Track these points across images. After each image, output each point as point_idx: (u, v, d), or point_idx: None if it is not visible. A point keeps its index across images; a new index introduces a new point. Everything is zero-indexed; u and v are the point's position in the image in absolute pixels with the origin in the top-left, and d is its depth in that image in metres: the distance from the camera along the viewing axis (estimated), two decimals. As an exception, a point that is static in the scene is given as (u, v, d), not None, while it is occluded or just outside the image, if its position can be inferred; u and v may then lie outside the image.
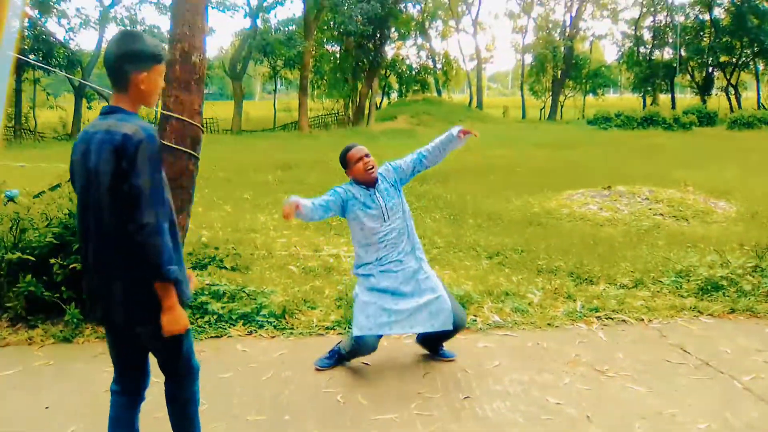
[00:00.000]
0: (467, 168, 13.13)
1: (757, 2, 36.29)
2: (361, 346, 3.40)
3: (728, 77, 39.79)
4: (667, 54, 43.57)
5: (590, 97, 49.95)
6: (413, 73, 45.36)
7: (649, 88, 44.05)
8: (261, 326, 4.20)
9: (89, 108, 29.25)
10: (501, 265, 5.86)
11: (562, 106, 47.76)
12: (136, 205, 1.98)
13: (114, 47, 2.12)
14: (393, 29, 35.99)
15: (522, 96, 49.50)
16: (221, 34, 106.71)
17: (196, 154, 4.46)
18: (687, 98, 45.12)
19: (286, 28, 31.33)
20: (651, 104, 40.39)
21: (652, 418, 3.02)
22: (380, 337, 3.44)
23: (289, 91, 47.43)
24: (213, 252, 5.50)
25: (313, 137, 26.15)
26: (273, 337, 4.10)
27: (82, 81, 22.71)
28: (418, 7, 42.15)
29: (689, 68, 41.45)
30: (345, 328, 4.13)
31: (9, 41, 2.37)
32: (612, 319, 4.40)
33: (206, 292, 4.50)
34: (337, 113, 36.51)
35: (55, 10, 28.04)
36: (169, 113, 4.38)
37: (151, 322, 2.09)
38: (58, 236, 4.12)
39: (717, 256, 5.43)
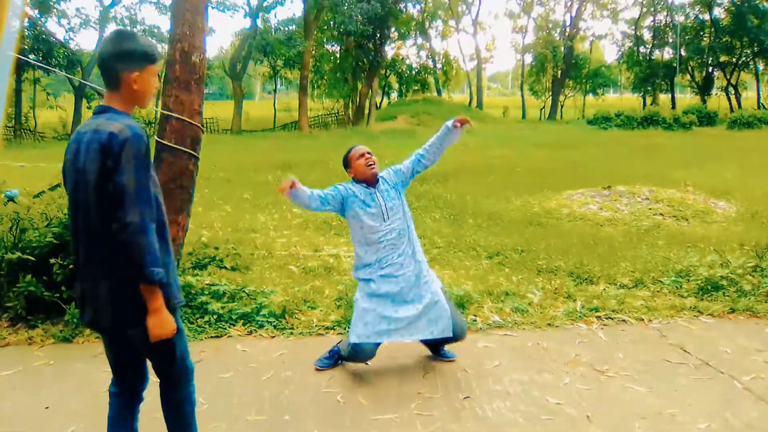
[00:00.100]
0: (467, 168, 13.14)
1: (757, 2, 36.29)
2: (359, 353, 3.39)
3: (728, 77, 39.80)
4: (667, 54, 43.59)
5: (590, 97, 49.96)
6: (413, 73, 45.36)
7: (649, 88, 44.05)
8: (261, 326, 4.20)
9: (89, 108, 29.20)
10: (501, 265, 5.86)
11: (562, 106, 47.77)
12: (120, 203, 1.95)
13: (107, 46, 2.10)
14: (393, 29, 36.00)
15: (522, 96, 49.51)
16: (221, 34, 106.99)
17: (196, 154, 4.46)
18: (687, 98, 45.13)
19: (286, 28, 31.32)
20: (651, 104, 40.37)
21: (652, 418, 3.02)
22: (378, 344, 3.42)
23: (289, 91, 47.44)
24: (213, 252, 5.49)
25: (313, 137, 26.15)
26: (273, 337, 4.10)
27: (82, 81, 22.70)
28: (418, 7, 42.18)
29: (689, 68, 41.46)
30: (345, 328, 4.13)
31: (9, 41, 2.36)
32: (612, 319, 4.40)
33: (206, 292, 4.50)
34: (337, 113, 36.51)
35: (55, 10, 28.05)
36: (169, 113, 4.38)
37: (139, 324, 2.05)
38: (58, 236, 4.12)
39: (717, 256, 5.43)
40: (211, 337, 4.07)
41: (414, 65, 46.11)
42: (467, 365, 3.63)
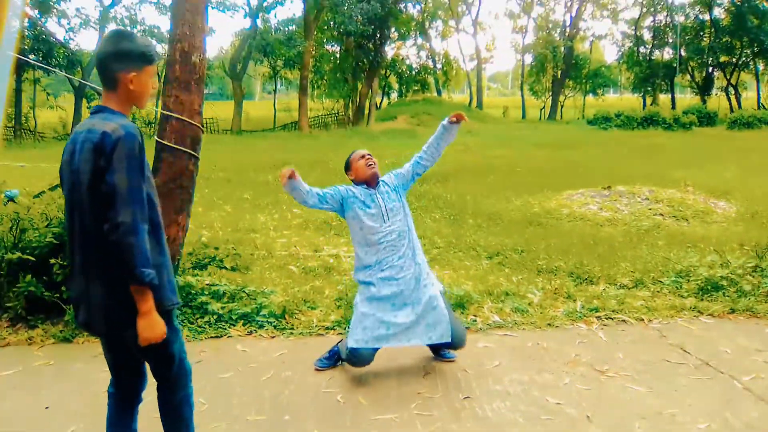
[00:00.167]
0: (467, 168, 13.14)
1: (757, 2, 36.28)
2: (357, 358, 3.37)
3: (728, 77, 39.80)
4: (667, 54, 43.58)
5: (590, 97, 49.96)
6: (413, 73, 45.36)
7: (649, 88, 44.05)
8: (261, 326, 4.20)
9: (89, 108, 29.12)
10: (501, 265, 5.86)
11: (562, 106, 47.77)
12: (111, 203, 1.92)
13: (104, 46, 2.09)
14: (393, 29, 35.99)
15: (522, 96, 49.51)
16: (221, 34, 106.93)
17: (196, 154, 4.46)
18: (687, 98, 45.13)
19: (286, 28, 31.33)
20: (651, 104, 40.37)
21: (652, 418, 3.02)
22: (377, 349, 3.40)
23: (289, 91, 47.43)
24: (213, 252, 5.49)
25: (313, 137, 26.15)
26: (273, 337, 4.10)
27: (82, 81, 22.69)
28: (418, 7, 42.19)
29: (689, 68, 41.45)
30: (345, 328, 4.13)
31: (9, 41, 2.36)
32: (612, 319, 4.40)
33: (206, 292, 4.50)
34: (337, 113, 36.52)
35: (55, 10, 28.05)
36: (169, 113, 4.37)
37: (132, 326, 2.03)
38: (58, 236, 4.12)
39: (717, 256, 5.43)
40: (211, 337, 4.07)
41: (414, 65, 46.13)
42: (467, 365, 3.63)
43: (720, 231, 7.19)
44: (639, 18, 44.89)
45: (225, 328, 4.17)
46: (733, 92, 39.79)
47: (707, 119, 30.87)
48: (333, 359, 3.62)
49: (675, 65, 40.57)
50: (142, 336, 2.01)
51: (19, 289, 4.05)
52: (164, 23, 45.87)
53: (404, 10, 37.26)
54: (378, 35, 32.94)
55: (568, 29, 46.89)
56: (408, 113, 34.62)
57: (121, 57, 2.07)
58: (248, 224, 7.66)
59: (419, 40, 46.25)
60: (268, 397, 3.26)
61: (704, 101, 38.02)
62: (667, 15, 43.45)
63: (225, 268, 5.29)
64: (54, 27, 52.94)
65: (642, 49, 44.94)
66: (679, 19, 41.55)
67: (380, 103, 43.75)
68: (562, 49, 45.59)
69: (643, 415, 3.05)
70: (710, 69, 41.01)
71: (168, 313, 2.16)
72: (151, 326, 2.01)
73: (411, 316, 3.38)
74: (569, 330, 4.22)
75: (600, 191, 9.25)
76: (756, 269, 5.11)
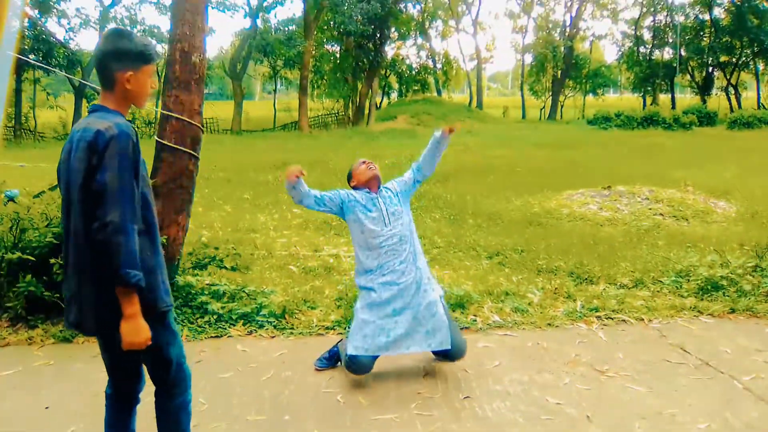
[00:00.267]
0: (467, 168, 13.13)
1: (757, 2, 36.29)
2: (356, 365, 3.35)
3: (728, 77, 39.80)
4: (667, 54, 43.58)
5: (590, 97, 49.96)
6: (413, 73, 45.37)
7: (649, 88, 44.06)
8: (261, 326, 4.20)
9: (89, 108, 29.22)
10: (501, 265, 5.86)
11: (562, 106, 47.77)
12: (101, 202, 1.89)
13: (102, 45, 2.07)
14: (393, 29, 36.02)
15: (522, 96, 49.51)
16: (221, 34, 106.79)
17: (196, 154, 4.46)
18: (687, 98, 45.11)
19: (286, 28, 31.34)
20: (651, 104, 40.35)
21: (652, 418, 3.02)
22: (376, 357, 3.38)
23: (289, 91, 47.44)
24: (213, 252, 5.50)
25: (313, 137, 26.15)
26: (273, 337, 4.10)
27: (82, 81, 22.69)
28: (418, 7, 42.24)
29: (689, 68, 41.46)
30: (345, 328, 4.13)
31: (9, 41, 2.36)
32: (612, 319, 4.40)
33: (206, 292, 4.50)
34: (337, 113, 36.52)
35: (55, 10, 28.05)
36: (169, 113, 4.37)
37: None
38: (58, 236, 4.12)
39: (717, 256, 5.43)
40: (211, 337, 4.07)
41: (414, 65, 46.15)
42: (467, 365, 3.63)
43: (720, 231, 7.19)
44: (639, 18, 44.91)
45: (225, 328, 4.17)
46: (733, 92, 39.80)
47: (707, 119, 30.86)
48: (333, 359, 3.62)
49: (675, 65, 40.58)
50: (125, 340, 1.96)
51: (19, 289, 4.05)
52: (164, 23, 45.92)
53: (404, 10, 37.29)
54: (378, 35, 32.96)
55: (568, 29, 46.90)
56: (408, 113, 34.64)
57: (118, 56, 2.04)
58: (248, 224, 7.66)
59: (419, 40, 46.33)
60: (268, 397, 3.26)
61: (704, 101, 38.01)
62: (667, 15, 43.46)
63: (225, 268, 5.29)
64: (54, 27, 52.97)
65: (642, 49, 44.95)
66: (679, 19, 41.56)
67: (380, 103, 43.76)
68: (562, 49, 45.59)
69: (643, 415, 3.05)
70: (710, 69, 41.02)
71: (163, 315, 2.13)
72: (135, 331, 1.96)
73: (411, 321, 3.37)
74: (569, 330, 4.22)
75: (600, 191, 9.25)
76: (756, 269, 5.11)
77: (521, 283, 5.09)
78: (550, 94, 47.38)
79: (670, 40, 42.17)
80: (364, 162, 3.59)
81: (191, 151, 4.41)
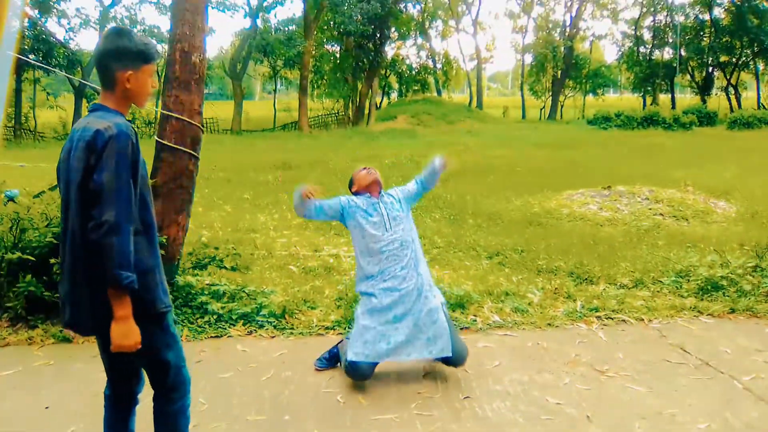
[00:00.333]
0: (467, 168, 13.13)
1: (757, 2, 36.28)
2: (355, 371, 3.33)
3: (728, 77, 39.80)
4: (667, 54, 43.58)
5: (590, 97, 49.93)
6: (413, 73, 45.37)
7: (649, 88, 44.05)
8: (261, 326, 4.20)
9: (89, 108, 29.21)
10: (501, 265, 5.86)
11: (562, 106, 47.76)
12: (97, 201, 1.88)
13: (102, 44, 2.05)
14: (393, 29, 36.02)
15: (522, 96, 49.49)
16: (221, 34, 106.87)
17: (196, 154, 4.46)
18: (687, 98, 45.10)
19: (286, 28, 31.37)
20: (651, 104, 40.34)
21: (652, 418, 3.02)
22: (376, 363, 3.37)
23: (289, 91, 47.46)
24: (213, 252, 5.50)
25: (313, 137, 26.16)
26: (273, 337, 4.10)
27: (82, 81, 22.70)
28: (418, 7, 42.19)
29: (689, 68, 41.46)
30: (345, 328, 4.13)
31: (9, 41, 2.36)
32: (612, 319, 4.40)
33: (206, 292, 4.50)
34: (337, 113, 36.52)
35: (55, 10, 28.06)
36: (169, 113, 4.37)
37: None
38: (58, 236, 4.11)
39: (717, 256, 5.43)
40: (211, 337, 4.07)
41: (414, 65, 46.15)
42: (467, 365, 3.61)
43: (720, 231, 7.19)
44: (639, 18, 44.90)
45: (225, 328, 4.17)
46: (733, 92, 39.79)
47: (707, 119, 30.86)
48: (333, 359, 3.61)
49: (675, 65, 40.58)
50: (114, 342, 1.93)
51: (19, 289, 4.05)
52: (164, 23, 45.90)
53: (404, 10, 37.29)
54: (378, 35, 32.97)
55: (568, 29, 46.89)
56: (408, 113, 34.61)
57: (119, 55, 2.03)
58: (248, 224, 7.66)
59: (419, 40, 46.32)
60: (268, 397, 3.26)
61: (704, 101, 38.00)
62: (667, 15, 43.45)
63: (225, 268, 5.29)
64: (54, 27, 52.93)
65: (642, 49, 44.95)
66: (679, 19, 41.55)
67: (380, 103, 43.75)
68: (562, 49, 45.58)
69: (643, 415, 3.05)
70: (710, 69, 41.02)
71: (161, 317, 2.10)
72: (125, 333, 1.93)
73: (412, 328, 3.35)
74: (569, 330, 4.22)
75: (600, 191, 9.25)
76: (756, 269, 5.11)
77: (521, 283, 5.09)
78: (550, 94, 47.37)
79: (670, 40, 42.17)
80: (364, 168, 3.63)
81: (191, 151, 4.41)
